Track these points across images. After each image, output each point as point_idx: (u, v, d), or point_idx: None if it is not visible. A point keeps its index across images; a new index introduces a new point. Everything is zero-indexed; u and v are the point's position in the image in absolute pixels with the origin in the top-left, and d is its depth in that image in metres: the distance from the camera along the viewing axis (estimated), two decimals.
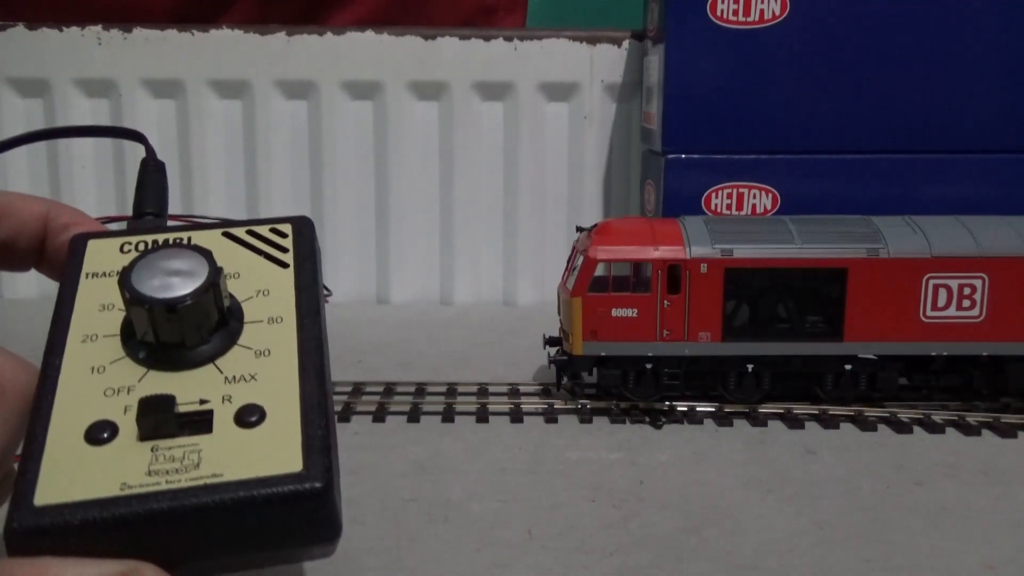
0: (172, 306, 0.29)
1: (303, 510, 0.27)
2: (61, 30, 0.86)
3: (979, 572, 0.41)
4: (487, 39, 0.86)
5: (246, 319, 0.32)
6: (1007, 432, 0.57)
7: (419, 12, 0.97)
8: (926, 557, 0.42)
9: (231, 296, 0.32)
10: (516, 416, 0.60)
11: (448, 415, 0.60)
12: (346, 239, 0.91)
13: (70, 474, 0.27)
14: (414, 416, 0.60)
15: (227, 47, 0.86)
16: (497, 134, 0.89)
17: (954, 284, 0.58)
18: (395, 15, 0.95)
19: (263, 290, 0.33)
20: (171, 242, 0.33)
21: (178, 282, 0.30)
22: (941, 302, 0.58)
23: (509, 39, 0.86)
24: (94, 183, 0.89)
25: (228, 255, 0.34)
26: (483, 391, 0.64)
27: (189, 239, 0.34)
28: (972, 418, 0.59)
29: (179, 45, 0.86)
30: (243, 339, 0.31)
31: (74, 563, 0.26)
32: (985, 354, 0.59)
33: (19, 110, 0.88)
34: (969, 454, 0.54)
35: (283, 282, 0.34)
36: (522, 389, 0.64)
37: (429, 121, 0.89)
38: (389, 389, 0.64)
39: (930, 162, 0.74)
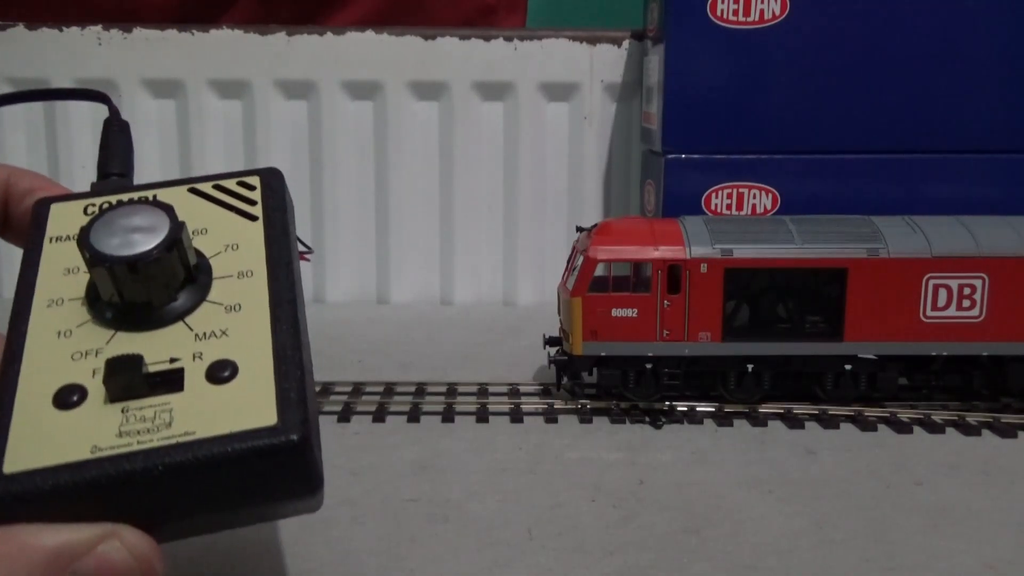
0: (133, 263, 0.29)
1: (280, 463, 0.27)
2: (61, 30, 0.86)
3: (979, 572, 0.41)
4: (487, 39, 0.86)
5: (215, 274, 0.31)
6: (1007, 432, 0.57)
7: (419, 12, 0.97)
8: (926, 557, 0.42)
9: (199, 252, 0.32)
10: (516, 416, 0.60)
11: (448, 415, 0.60)
12: (346, 239, 0.91)
13: (39, 440, 0.26)
14: (414, 416, 0.60)
15: (227, 47, 0.86)
16: (497, 134, 0.89)
17: (954, 284, 0.58)
18: (395, 15, 0.95)
19: (232, 244, 0.33)
20: (134, 200, 0.33)
21: (139, 239, 0.29)
22: (941, 302, 0.58)
23: (509, 39, 0.86)
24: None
25: (194, 211, 0.33)
26: (483, 391, 0.64)
27: (154, 197, 0.33)
28: (972, 418, 0.59)
29: (179, 45, 0.86)
30: (212, 295, 0.31)
31: (49, 529, 0.25)
32: (985, 354, 0.59)
33: (19, 110, 0.88)
34: (969, 454, 0.54)
35: (252, 235, 0.33)
36: (522, 389, 0.64)
37: (429, 121, 0.89)
38: (389, 389, 0.64)
39: (930, 162, 0.73)
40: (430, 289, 0.92)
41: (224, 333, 0.30)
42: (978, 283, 0.58)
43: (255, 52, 0.86)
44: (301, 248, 0.35)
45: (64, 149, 0.88)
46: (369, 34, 0.86)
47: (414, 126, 0.89)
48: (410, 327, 0.82)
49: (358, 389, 0.64)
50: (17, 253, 0.35)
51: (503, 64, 0.87)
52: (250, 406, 0.27)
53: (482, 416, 0.60)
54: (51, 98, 0.43)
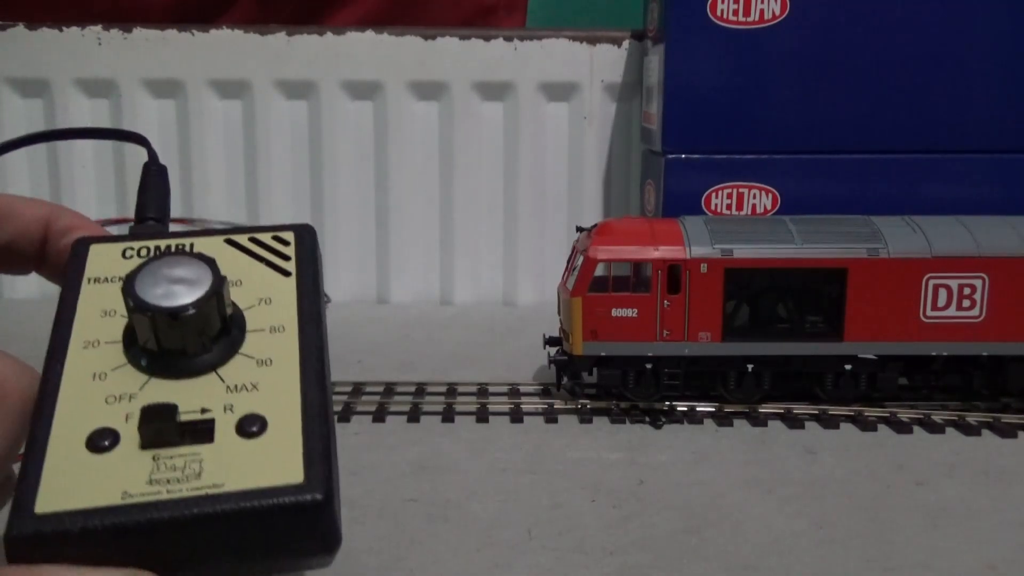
0: (175, 314, 0.29)
1: (303, 521, 0.27)
2: (61, 30, 0.86)
3: (979, 572, 0.41)
4: (487, 39, 0.86)
5: (248, 327, 0.32)
6: (1007, 432, 0.57)
7: (419, 12, 0.97)
8: (926, 557, 0.42)
9: (233, 304, 0.32)
10: (516, 416, 0.60)
11: (448, 415, 0.60)
12: (346, 239, 0.91)
13: (71, 482, 0.27)
14: (414, 416, 0.60)
15: (227, 47, 0.86)
16: (497, 134, 0.89)
17: (954, 284, 0.58)
18: (395, 15, 0.95)
19: (265, 298, 0.33)
20: (174, 249, 0.33)
21: (182, 290, 0.30)
22: (941, 302, 0.58)
23: (509, 39, 0.86)
24: (94, 184, 0.89)
25: (230, 262, 0.34)
26: (483, 391, 0.64)
27: (191, 245, 0.34)
28: (972, 418, 0.59)
29: (179, 45, 0.86)
30: (245, 348, 0.31)
31: (74, 571, 0.26)
32: (985, 354, 0.59)
33: (19, 110, 0.88)
34: (969, 454, 0.54)
35: (285, 290, 0.34)
36: (522, 389, 0.64)
37: (429, 121, 0.89)
38: (389, 389, 0.64)
39: (930, 162, 0.73)
40: (430, 289, 0.92)
41: (255, 387, 0.30)
42: (978, 283, 0.58)
43: (255, 52, 0.86)
44: None
45: (64, 149, 0.88)
46: (369, 34, 0.86)
47: (414, 126, 0.89)
48: (410, 327, 0.82)
49: (358, 389, 0.64)
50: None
51: (503, 64, 0.87)
52: (277, 462, 0.28)
53: (482, 416, 0.60)
54: (90, 137, 0.44)
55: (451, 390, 0.64)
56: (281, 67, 0.87)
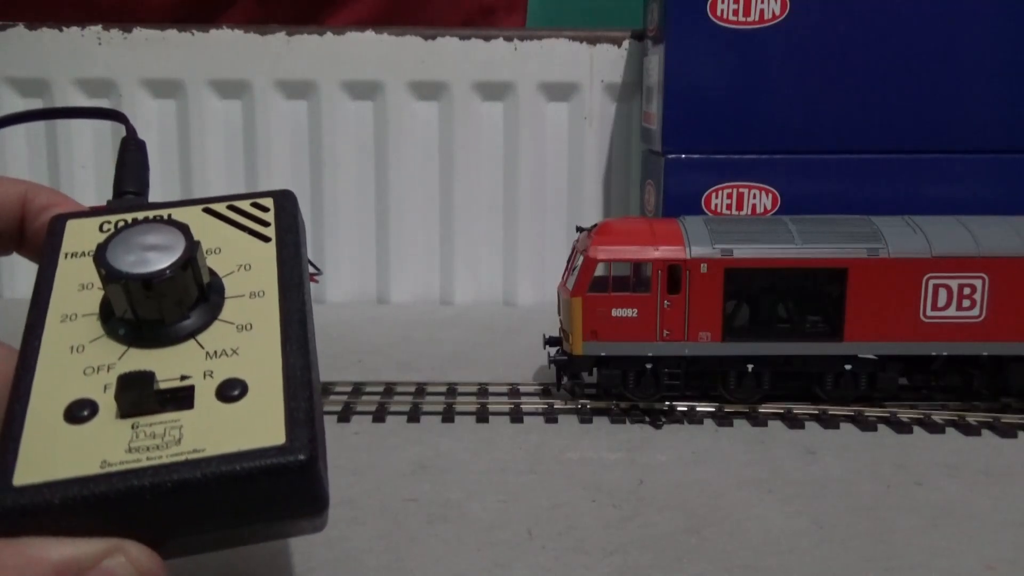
0: (148, 281, 0.29)
1: (287, 483, 0.27)
2: (61, 30, 0.86)
3: (979, 572, 0.41)
4: (487, 39, 0.86)
5: (227, 294, 0.32)
6: (1007, 432, 0.57)
7: (419, 12, 0.97)
8: (926, 557, 0.42)
9: (212, 271, 0.32)
10: (516, 416, 0.60)
11: (448, 415, 0.60)
12: (346, 239, 0.91)
13: (50, 453, 0.27)
14: (414, 416, 0.60)
15: (227, 47, 0.86)
16: (497, 134, 0.89)
17: (954, 284, 0.58)
18: (395, 15, 0.95)
19: (244, 264, 0.33)
20: (150, 219, 0.33)
21: (154, 257, 0.29)
22: (941, 302, 0.58)
23: (509, 39, 0.86)
24: (94, 177, 0.89)
25: (208, 230, 0.34)
26: (483, 391, 0.64)
27: (169, 216, 0.34)
28: (972, 418, 0.59)
29: (179, 45, 0.86)
30: (224, 314, 0.31)
31: (55, 542, 0.25)
32: (985, 354, 0.59)
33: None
34: (969, 454, 0.54)
35: (265, 256, 0.33)
36: (522, 389, 0.64)
37: (429, 121, 0.89)
38: (389, 389, 0.64)
39: (930, 162, 0.73)
40: (430, 289, 0.92)
41: (235, 352, 0.30)
42: (978, 283, 0.58)
43: (255, 52, 0.86)
44: (311, 270, 0.36)
45: (64, 146, 0.88)
46: (369, 34, 0.86)
47: (414, 126, 0.89)
48: (410, 327, 0.82)
49: (358, 389, 0.64)
50: (17, 255, 0.35)
51: (503, 64, 0.87)
52: (259, 425, 0.28)
53: (482, 416, 0.60)
54: (69, 116, 0.44)
55: (451, 390, 0.64)
56: (281, 67, 0.87)
